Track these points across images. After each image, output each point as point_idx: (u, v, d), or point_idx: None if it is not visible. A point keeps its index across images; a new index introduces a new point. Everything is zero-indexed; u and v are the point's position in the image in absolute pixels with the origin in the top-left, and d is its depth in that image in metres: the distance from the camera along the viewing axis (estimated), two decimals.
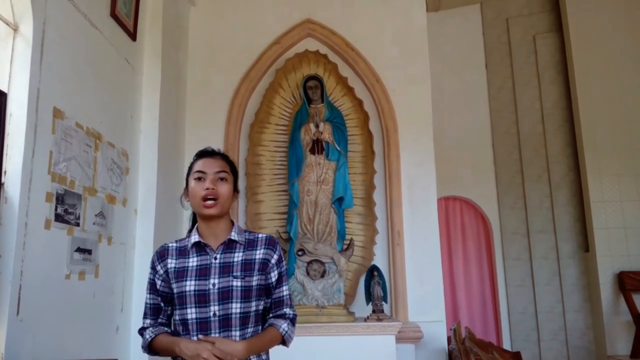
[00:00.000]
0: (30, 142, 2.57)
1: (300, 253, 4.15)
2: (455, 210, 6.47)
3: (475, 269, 6.32)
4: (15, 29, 2.60)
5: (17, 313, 2.43)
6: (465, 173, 6.25)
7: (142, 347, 1.81)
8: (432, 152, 4.60)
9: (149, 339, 1.77)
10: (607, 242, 5.65)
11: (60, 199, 2.81)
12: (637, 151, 5.78)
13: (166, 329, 1.82)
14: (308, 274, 4.04)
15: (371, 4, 4.89)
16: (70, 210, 2.91)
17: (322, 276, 4.04)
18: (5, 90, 2.53)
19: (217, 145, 4.51)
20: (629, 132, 5.82)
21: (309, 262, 4.08)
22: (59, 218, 2.80)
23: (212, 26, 4.92)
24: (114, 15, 3.53)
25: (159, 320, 1.82)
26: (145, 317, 1.83)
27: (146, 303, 1.83)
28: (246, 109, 4.77)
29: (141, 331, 1.82)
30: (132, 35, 3.81)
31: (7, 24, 2.57)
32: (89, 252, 3.12)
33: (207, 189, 1.74)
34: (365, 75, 4.73)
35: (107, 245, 3.35)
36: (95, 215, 3.21)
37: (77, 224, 2.99)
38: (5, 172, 2.47)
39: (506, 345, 5.87)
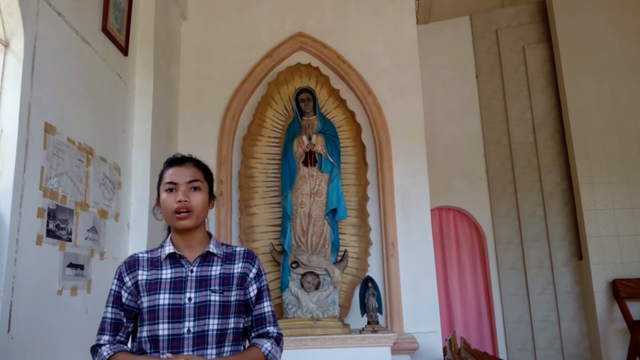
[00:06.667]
0: (21, 158, 2.56)
1: (294, 265, 4.14)
2: (449, 221, 6.48)
3: (469, 279, 6.33)
4: (6, 45, 2.60)
5: (8, 330, 2.40)
6: (458, 183, 6.28)
7: None
8: (425, 162, 4.61)
9: (107, 357, 1.59)
10: (600, 250, 5.67)
11: (51, 214, 2.80)
12: (628, 158, 5.84)
13: (125, 347, 1.66)
14: (302, 286, 4.03)
15: (362, 17, 4.93)
16: (62, 226, 2.89)
17: (317, 288, 4.03)
18: None
19: (210, 158, 4.54)
20: (620, 140, 5.87)
21: (303, 274, 4.07)
22: (50, 233, 2.78)
23: (204, 40, 4.94)
24: (105, 30, 3.53)
25: (118, 337, 1.65)
26: (101, 332, 1.65)
27: (105, 317, 1.67)
28: (239, 121, 4.77)
29: (95, 349, 1.63)
30: (124, 50, 3.82)
31: None
32: (81, 267, 3.10)
33: (180, 201, 1.64)
34: (357, 87, 4.75)
35: (100, 260, 3.33)
36: (87, 230, 3.19)
37: (69, 239, 2.97)
38: None
39: (502, 355, 5.86)
